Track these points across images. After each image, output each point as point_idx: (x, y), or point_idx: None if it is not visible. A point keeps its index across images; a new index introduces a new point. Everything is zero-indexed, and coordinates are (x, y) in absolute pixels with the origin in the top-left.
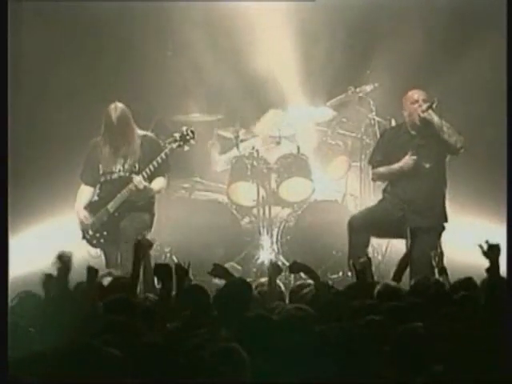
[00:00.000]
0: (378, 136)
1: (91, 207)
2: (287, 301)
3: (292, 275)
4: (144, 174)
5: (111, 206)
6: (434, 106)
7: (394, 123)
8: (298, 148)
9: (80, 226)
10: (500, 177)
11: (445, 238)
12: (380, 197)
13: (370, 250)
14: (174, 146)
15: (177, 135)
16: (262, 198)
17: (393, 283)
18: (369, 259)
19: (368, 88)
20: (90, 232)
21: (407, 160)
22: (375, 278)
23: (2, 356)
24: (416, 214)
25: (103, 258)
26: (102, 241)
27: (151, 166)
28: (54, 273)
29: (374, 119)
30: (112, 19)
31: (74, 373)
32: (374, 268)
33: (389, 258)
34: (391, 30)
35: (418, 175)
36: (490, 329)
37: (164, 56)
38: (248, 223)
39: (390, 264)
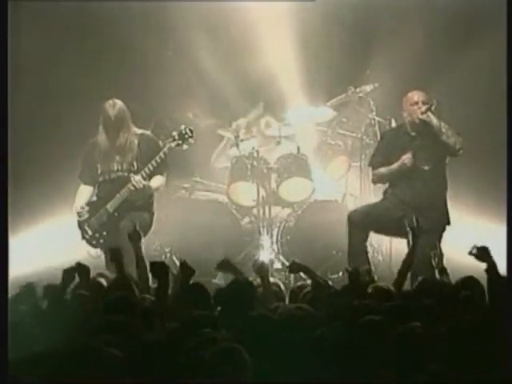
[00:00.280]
0: (378, 136)
1: (90, 207)
2: (287, 301)
3: (292, 275)
4: (143, 173)
5: (111, 206)
6: (432, 108)
7: (394, 123)
8: (298, 148)
9: (79, 226)
10: (500, 177)
11: (445, 238)
12: (380, 197)
13: (369, 250)
14: (173, 144)
15: (175, 134)
16: (262, 198)
17: (384, 284)
18: (368, 263)
19: (368, 88)
20: (90, 232)
21: (406, 156)
22: (375, 278)
23: (2, 356)
24: (416, 215)
25: (103, 257)
26: (101, 241)
27: (150, 166)
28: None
29: (374, 119)
30: (112, 19)
31: (74, 373)
32: (373, 268)
33: (389, 259)
34: (391, 30)
35: (417, 176)
36: (491, 329)
37: (164, 56)
38: (248, 223)
39: (390, 264)
